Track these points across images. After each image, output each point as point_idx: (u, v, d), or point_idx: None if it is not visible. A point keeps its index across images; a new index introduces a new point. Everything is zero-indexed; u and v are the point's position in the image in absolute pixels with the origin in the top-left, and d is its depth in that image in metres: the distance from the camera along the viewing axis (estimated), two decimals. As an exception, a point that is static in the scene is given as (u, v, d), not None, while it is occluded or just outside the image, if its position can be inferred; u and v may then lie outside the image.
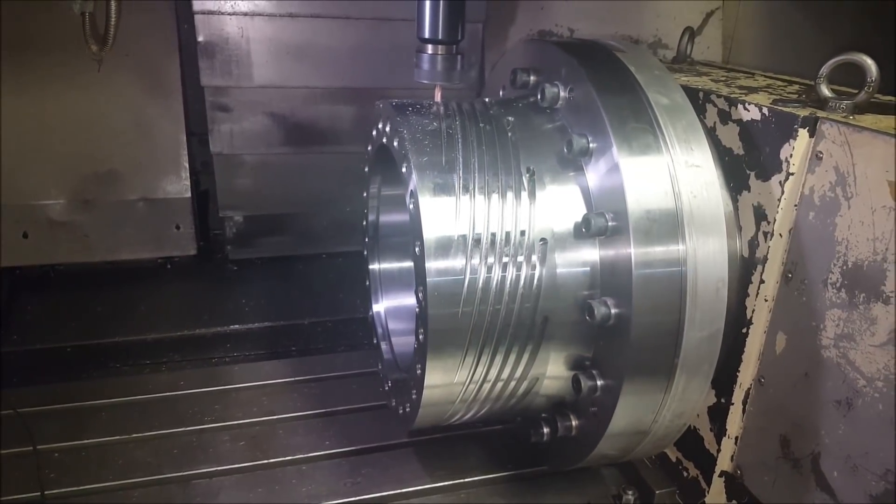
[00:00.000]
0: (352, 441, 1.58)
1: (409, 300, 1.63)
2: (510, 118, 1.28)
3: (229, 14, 2.12)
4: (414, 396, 1.27)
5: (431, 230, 1.15)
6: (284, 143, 2.30)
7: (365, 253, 1.67)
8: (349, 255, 2.51)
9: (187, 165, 2.30)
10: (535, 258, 1.18)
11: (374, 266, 1.65)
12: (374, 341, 1.62)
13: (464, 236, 1.15)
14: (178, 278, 2.41)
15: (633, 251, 1.10)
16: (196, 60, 2.18)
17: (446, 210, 1.16)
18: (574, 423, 1.29)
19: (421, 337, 1.19)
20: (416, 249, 1.17)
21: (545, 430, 1.34)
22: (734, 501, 1.34)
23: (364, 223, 1.65)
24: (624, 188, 1.11)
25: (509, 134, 1.25)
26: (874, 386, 1.05)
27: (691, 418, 1.26)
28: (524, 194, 1.19)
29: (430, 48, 1.37)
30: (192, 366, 2.08)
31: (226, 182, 2.31)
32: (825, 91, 1.16)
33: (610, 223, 1.13)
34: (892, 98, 1.27)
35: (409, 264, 1.64)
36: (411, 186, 1.19)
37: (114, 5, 1.83)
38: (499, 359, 1.22)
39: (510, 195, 1.18)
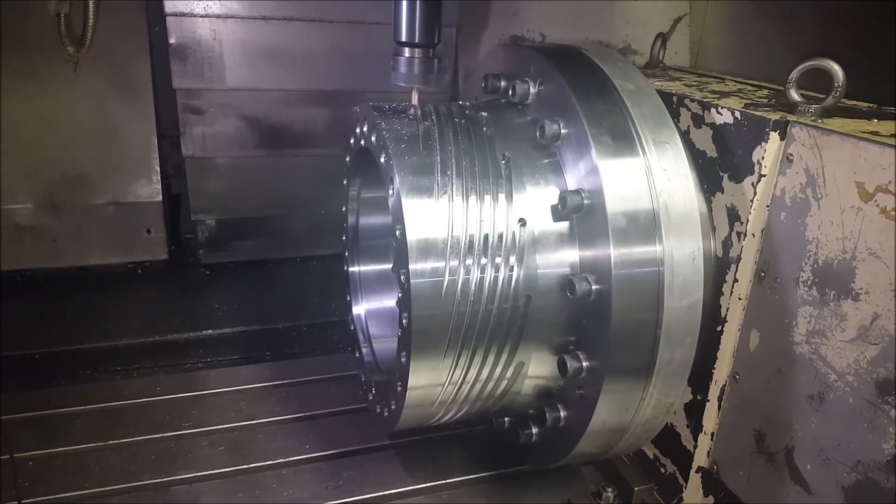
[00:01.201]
0: (332, 444, 1.58)
1: (388, 302, 1.64)
2: (484, 114, 1.31)
3: (201, 16, 2.11)
4: (397, 398, 1.28)
5: (414, 232, 1.16)
6: (257, 146, 2.29)
7: (344, 256, 1.67)
8: (323, 259, 2.51)
9: (158, 169, 2.28)
10: (516, 241, 1.20)
11: (353, 269, 1.65)
12: (354, 344, 1.63)
13: (443, 249, 1.17)
14: (149, 283, 2.39)
15: (610, 224, 1.13)
16: (167, 63, 2.16)
17: (428, 209, 1.17)
18: (562, 413, 1.30)
19: (403, 330, 1.19)
20: (399, 251, 1.18)
21: (534, 429, 1.36)
22: (711, 497, 1.37)
23: (344, 226, 1.64)
24: (597, 166, 1.14)
25: (484, 129, 1.27)
26: (845, 380, 1.08)
27: (677, 399, 1.28)
28: (501, 181, 1.21)
29: (406, 51, 1.37)
30: (164, 372, 2.05)
31: (198, 185, 2.30)
32: (794, 96, 1.20)
33: (585, 200, 1.17)
34: (857, 102, 1.31)
35: (387, 266, 1.65)
36: (394, 187, 1.19)
37: (91, 6, 1.81)
38: (483, 354, 1.23)
39: (489, 182, 1.20)
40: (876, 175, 1.01)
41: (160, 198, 2.30)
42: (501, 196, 1.21)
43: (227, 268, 2.45)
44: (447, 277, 1.16)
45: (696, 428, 1.36)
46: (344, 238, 1.65)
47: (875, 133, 1.07)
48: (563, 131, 1.21)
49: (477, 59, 2.36)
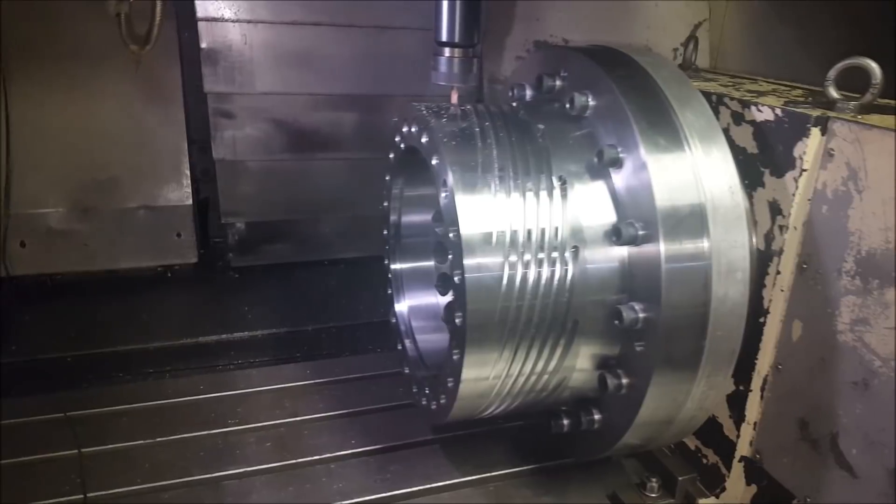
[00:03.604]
0: (376, 440, 1.61)
1: (430, 298, 1.67)
2: (540, 126, 1.33)
3: (232, 21, 2.15)
4: (448, 393, 1.32)
5: (469, 229, 1.19)
6: (286, 150, 2.33)
7: (386, 253, 1.71)
8: (350, 262, 2.55)
9: (188, 172, 2.31)
10: (567, 259, 1.23)
11: (395, 266, 1.68)
12: (399, 341, 1.66)
13: (501, 237, 1.20)
14: (179, 287, 2.42)
15: (664, 257, 1.16)
16: (198, 67, 2.20)
17: (483, 207, 1.20)
18: (597, 416, 1.34)
19: (457, 328, 1.23)
20: (453, 250, 1.21)
21: (565, 421, 1.40)
22: (754, 485, 1.41)
23: (385, 223, 1.68)
24: (654, 198, 1.16)
25: (540, 140, 1.30)
26: (890, 366, 1.12)
27: (713, 408, 1.33)
28: (557, 200, 1.24)
29: (447, 51, 1.42)
30: (197, 373, 2.08)
31: (228, 188, 2.33)
32: (833, 93, 1.24)
33: (640, 232, 1.18)
34: (889, 101, 1.36)
35: (428, 263, 1.69)
36: (447, 187, 1.23)
37: (158, 5, 1.85)
38: (533, 353, 1.26)
39: (544, 200, 1.23)
40: (919, 167, 1.05)
41: (190, 201, 2.33)
42: (556, 218, 1.24)
43: (255, 271, 2.49)
44: (505, 273, 1.19)
45: (739, 418, 1.40)
46: (385, 234, 1.69)
47: (915, 128, 1.11)
48: (621, 156, 1.22)
49: (501, 63, 2.41)
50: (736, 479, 1.43)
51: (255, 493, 1.47)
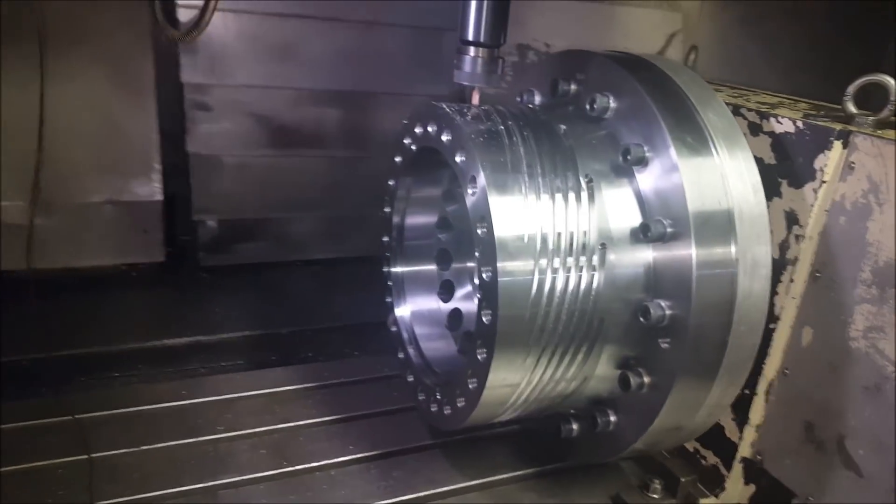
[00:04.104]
0: (375, 445, 1.58)
1: (432, 304, 1.65)
2: (563, 126, 1.33)
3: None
4: (468, 395, 1.29)
5: (502, 230, 1.17)
6: (265, 146, 2.25)
7: (385, 259, 1.67)
8: (326, 263, 2.48)
9: (159, 167, 2.21)
10: (594, 261, 1.24)
11: (396, 269, 1.65)
12: (400, 349, 1.63)
13: (532, 237, 1.19)
14: (143, 286, 2.30)
15: (695, 256, 1.18)
16: (174, 57, 2.10)
17: (514, 210, 1.19)
18: (612, 418, 1.35)
19: (485, 327, 1.21)
20: (484, 249, 1.19)
21: (574, 426, 1.41)
22: (752, 485, 1.45)
23: (386, 226, 1.64)
24: (686, 196, 1.18)
25: (564, 141, 1.30)
26: (904, 372, 1.17)
27: (722, 415, 1.36)
28: (584, 200, 1.24)
29: (471, 50, 1.40)
30: (166, 378, 1.99)
31: (202, 184, 2.24)
32: (851, 108, 1.29)
33: (668, 229, 1.20)
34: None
35: (430, 267, 1.66)
36: (477, 185, 1.20)
37: None
38: (557, 360, 1.26)
39: (572, 199, 1.23)
40: (942, 182, 1.10)
41: (160, 197, 2.22)
42: (584, 212, 1.24)
43: (225, 271, 2.39)
44: (536, 276, 1.18)
45: (742, 420, 1.43)
46: (386, 239, 1.65)
47: (933, 144, 1.17)
48: (647, 154, 1.25)
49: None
50: (735, 480, 1.47)
51: (255, 501, 1.41)
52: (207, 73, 2.11)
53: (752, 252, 1.22)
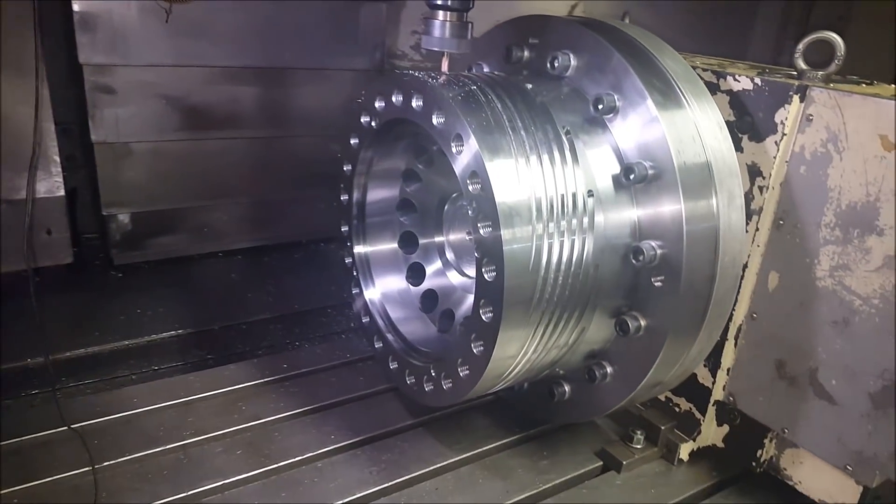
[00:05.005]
0: (357, 431, 1.53)
1: (401, 283, 1.60)
2: (529, 85, 1.33)
3: (114, -18, 1.87)
4: (473, 363, 1.26)
5: (497, 180, 1.15)
6: (178, 129, 2.08)
7: (346, 248, 1.60)
8: (249, 252, 2.35)
9: (58, 159, 1.98)
10: (585, 213, 1.25)
11: (360, 249, 1.58)
12: (376, 335, 1.57)
13: (526, 186, 1.18)
14: (51, 291, 2.07)
15: (682, 192, 1.23)
16: (63, 37, 1.88)
17: (505, 162, 1.17)
18: (609, 370, 1.38)
19: (489, 286, 1.19)
20: (483, 208, 1.17)
21: (567, 387, 1.44)
22: (726, 425, 1.54)
23: (344, 204, 1.57)
24: (666, 138, 1.23)
25: (537, 98, 1.30)
26: (870, 304, 1.28)
27: (708, 351, 1.43)
28: (566, 150, 1.25)
29: (440, 14, 1.36)
30: (92, 389, 1.81)
31: (109, 175, 2.04)
32: (802, 64, 1.37)
33: (650, 171, 1.25)
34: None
35: (394, 246, 1.62)
36: (465, 144, 1.18)
37: None
38: (558, 313, 1.26)
39: (556, 151, 1.24)
40: (898, 128, 1.20)
41: (62, 192, 2.00)
42: (568, 161, 1.25)
43: (141, 268, 2.20)
44: (534, 228, 1.18)
45: (715, 366, 1.51)
46: (345, 222, 1.58)
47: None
48: (618, 103, 1.28)
49: (398, 38, 2.35)
50: (709, 422, 1.55)
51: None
52: (109, 52, 1.91)
53: (727, 184, 1.29)
